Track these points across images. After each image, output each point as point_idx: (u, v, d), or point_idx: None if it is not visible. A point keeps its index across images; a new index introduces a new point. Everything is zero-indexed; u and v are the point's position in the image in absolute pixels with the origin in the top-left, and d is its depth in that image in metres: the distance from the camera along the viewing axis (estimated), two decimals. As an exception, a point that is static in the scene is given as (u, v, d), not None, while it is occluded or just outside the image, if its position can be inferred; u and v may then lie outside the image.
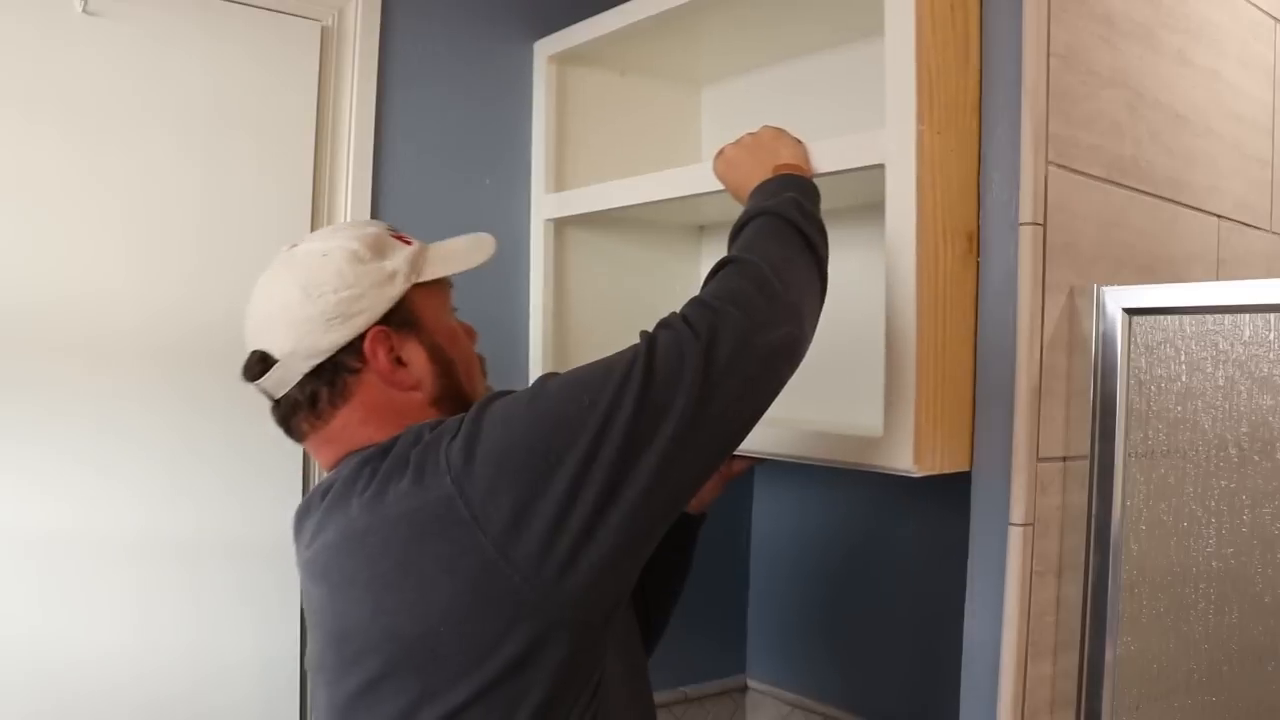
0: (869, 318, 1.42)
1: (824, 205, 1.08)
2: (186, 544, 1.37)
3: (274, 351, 0.97)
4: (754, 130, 1.20)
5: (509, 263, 1.65)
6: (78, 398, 1.30)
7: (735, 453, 1.26)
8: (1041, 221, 1.10)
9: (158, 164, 1.35)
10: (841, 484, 1.77)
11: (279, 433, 1.44)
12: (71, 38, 1.29)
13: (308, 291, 0.95)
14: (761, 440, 1.26)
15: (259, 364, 0.98)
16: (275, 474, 1.45)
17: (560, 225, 1.67)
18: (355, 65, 1.50)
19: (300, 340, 0.95)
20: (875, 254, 1.46)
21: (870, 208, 1.45)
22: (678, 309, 0.93)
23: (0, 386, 1.25)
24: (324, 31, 1.49)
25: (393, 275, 0.98)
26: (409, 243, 1.03)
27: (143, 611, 1.34)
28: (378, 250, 0.99)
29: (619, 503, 0.85)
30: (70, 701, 1.29)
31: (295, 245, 1.02)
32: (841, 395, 1.49)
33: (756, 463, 1.34)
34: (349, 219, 1.49)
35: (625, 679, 0.98)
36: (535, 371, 1.66)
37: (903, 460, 1.10)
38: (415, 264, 1.00)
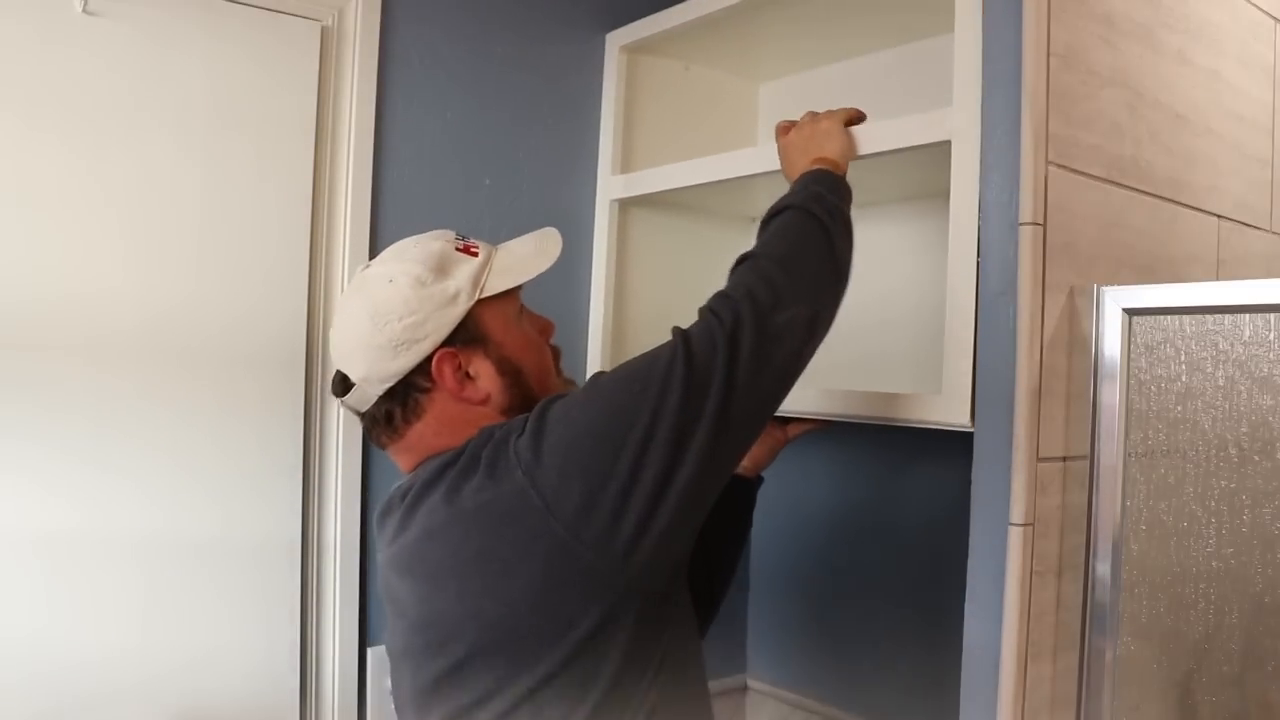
0: (896, 297, 1.55)
1: (882, 193, 1.17)
2: (188, 544, 1.37)
3: (351, 375, 1.04)
4: (818, 114, 1.27)
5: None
6: (78, 397, 1.30)
7: (792, 416, 1.34)
8: (1041, 221, 1.10)
9: (158, 164, 1.35)
10: (841, 485, 1.77)
11: (278, 433, 1.46)
12: (71, 38, 1.29)
13: (375, 320, 1.01)
14: (820, 402, 1.33)
15: (341, 384, 1.05)
16: (276, 474, 1.45)
17: (625, 206, 1.73)
18: (355, 65, 1.50)
19: (372, 366, 1.02)
20: (898, 244, 1.55)
21: (912, 199, 1.54)
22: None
23: (0, 386, 1.25)
24: (324, 31, 1.49)
25: (455, 296, 1.02)
26: (475, 253, 1.06)
27: (145, 612, 1.34)
28: (441, 270, 1.02)
29: (675, 481, 0.92)
30: (70, 703, 1.29)
31: (368, 266, 1.07)
32: (868, 366, 1.58)
33: (813, 427, 1.38)
34: (349, 217, 1.49)
35: (684, 660, 1.07)
36: (597, 344, 1.72)
37: (959, 416, 1.17)
38: (478, 280, 1.04)
